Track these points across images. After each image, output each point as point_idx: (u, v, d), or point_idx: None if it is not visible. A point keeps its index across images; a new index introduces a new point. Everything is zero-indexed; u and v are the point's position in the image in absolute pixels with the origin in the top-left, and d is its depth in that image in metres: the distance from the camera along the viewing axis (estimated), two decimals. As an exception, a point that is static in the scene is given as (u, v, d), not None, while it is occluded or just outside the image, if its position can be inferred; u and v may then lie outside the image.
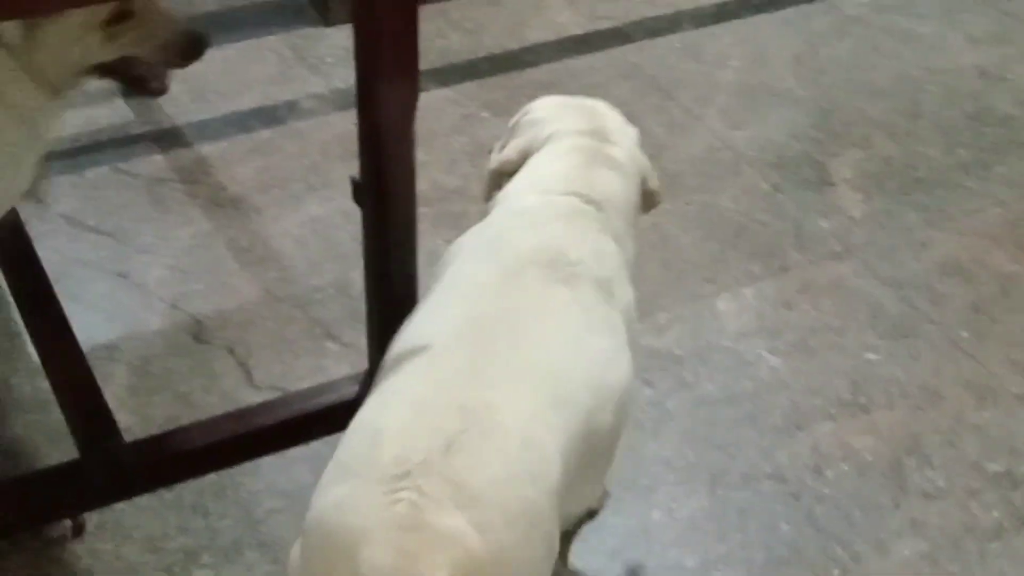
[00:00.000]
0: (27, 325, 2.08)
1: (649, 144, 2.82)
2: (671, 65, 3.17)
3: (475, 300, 1.52)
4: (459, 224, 2.56)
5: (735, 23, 3.37)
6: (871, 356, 2.35)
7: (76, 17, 1.67)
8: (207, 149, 2.78)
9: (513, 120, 1.88)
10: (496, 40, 3.22)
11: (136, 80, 1.81)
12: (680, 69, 3.16)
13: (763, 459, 2.13)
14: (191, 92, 2.93)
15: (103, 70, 1.76)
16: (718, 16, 3.40)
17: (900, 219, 2.69)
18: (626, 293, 1.64)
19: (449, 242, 2.43)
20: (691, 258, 2.56)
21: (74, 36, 1.68)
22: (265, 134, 2.83)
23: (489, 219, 1.69)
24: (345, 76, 2.99)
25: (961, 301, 2.48)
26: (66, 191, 2.63)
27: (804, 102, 3.06)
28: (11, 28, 1.64)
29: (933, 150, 2.91)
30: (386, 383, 1.42)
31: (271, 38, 3.15)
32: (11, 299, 2.25)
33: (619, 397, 1.52)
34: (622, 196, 1.72)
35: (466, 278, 1.57)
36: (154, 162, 2.73)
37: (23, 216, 2.22)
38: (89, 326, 2.26)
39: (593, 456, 1.48)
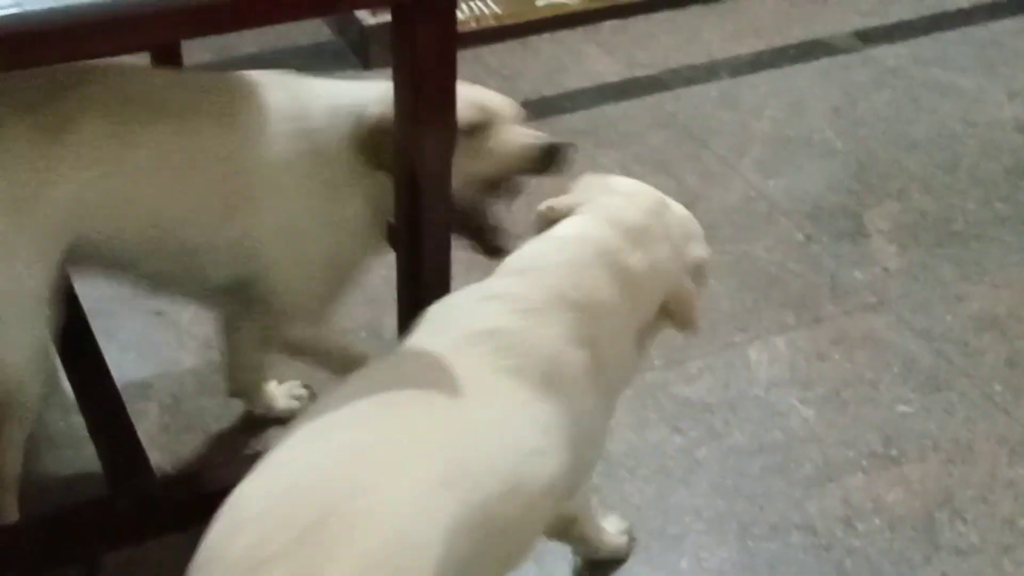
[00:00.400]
0: (63, 361, 2.10)
1: (683, 193, 2.84)
2: (707, 114, 3.18)
3: (410, 368, 1.47)
4: (492, 268, 2.57)
5: (772, 73, 3.38)
6: (904, 409, 2.33)
7: None
8: (245, 190, 2.81)
9: (587, 181, 1.77)
10: (533, 86, 3.25)
11: (476, 232, 1.88)
12: (716, 118, 3.17)
13: (793, 510, 2.11)
14: (231, 133, 2.96)
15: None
16: (755, 66, 3.41)
17: (935, 272, 2.68)
18: (582, 403, 1.54)
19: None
20: (724, 307, 2.55)
21: None
22: (302, 176, 2.85)
23: (468, 292, 1.63)
24: (383, 120, 3.02)
25: (995, 355, 2.46)
26: (105, 229, 2.66)
27: (841, 153, 3.06)
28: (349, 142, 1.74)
29: (970, 203, 2.90)
30: (272, 455, 1.34)
31: (311, 81, 3.18)
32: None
33: (533, 494, 1.44)
34: (613, 306, 1.59)
35: (416, 345, 1.52)
36: (192, 202, 2.76)
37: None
38: (124, 363, 2.28)
39: (493, 543, 1.40)
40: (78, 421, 2.15)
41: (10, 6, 1.25)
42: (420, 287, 1.75)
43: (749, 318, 2.53)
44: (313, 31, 3.37)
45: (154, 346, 2.40)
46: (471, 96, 1.81)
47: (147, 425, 2.19)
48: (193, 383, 2.31)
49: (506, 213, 1.93)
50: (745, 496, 2.13)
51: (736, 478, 2.17)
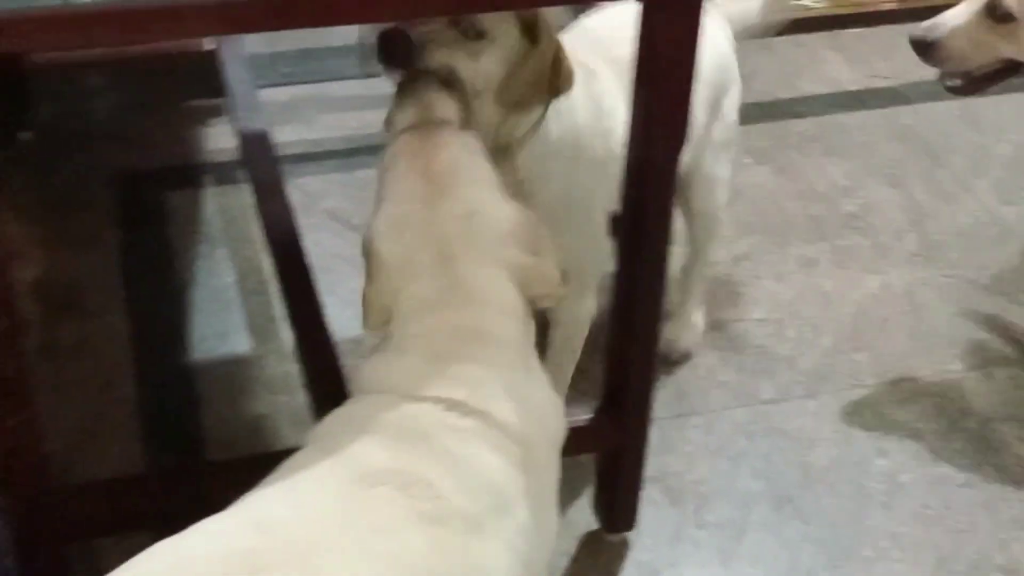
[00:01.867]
0: (287, 310, 2.17)
1: (913, 210, 2.76)
2: (946, 131, 3.07)
3: (290, 511, 1.23)
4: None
5: (1019, 96, 3.24)
6: None
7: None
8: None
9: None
10: (766, 87, 3.20)
11: None
12: (955, 136, 3.05)
13: (997, 550, 2.03)
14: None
15: None
16: (1002, 86, 3.26)
17: None
18: (513, 519, 1.32)
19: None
20: (943, 332, 2.46)
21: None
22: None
23: (345, 414, 1.41)
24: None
25: None
26: (335, 189, 2.76)
27: (1085, 185, 2.91)
28: None
29: None
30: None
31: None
32: (273, 283, 2.39)
33: None
34: (506, 376, 1.39)
35: (303, 478, 1.28)
36: (420, 170, 2.82)
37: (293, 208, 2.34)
38: (340, 319, 2.35)
39: None
40: (293, 369, 2.24)
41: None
42: (636, 277, 1.75)
43: (969, 346, 2.43)
44: (558, 14, 3.38)
45: (370, 306, 2.46)
46: None
47: (356, 382, 2.25)
48: (403, 346, 2.36)
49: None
50: (947, 528, 2.06)
51: (940, 508, 2.09)
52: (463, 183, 1.48)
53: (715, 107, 2.10)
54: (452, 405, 1.34)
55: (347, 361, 2.21)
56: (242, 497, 1.27)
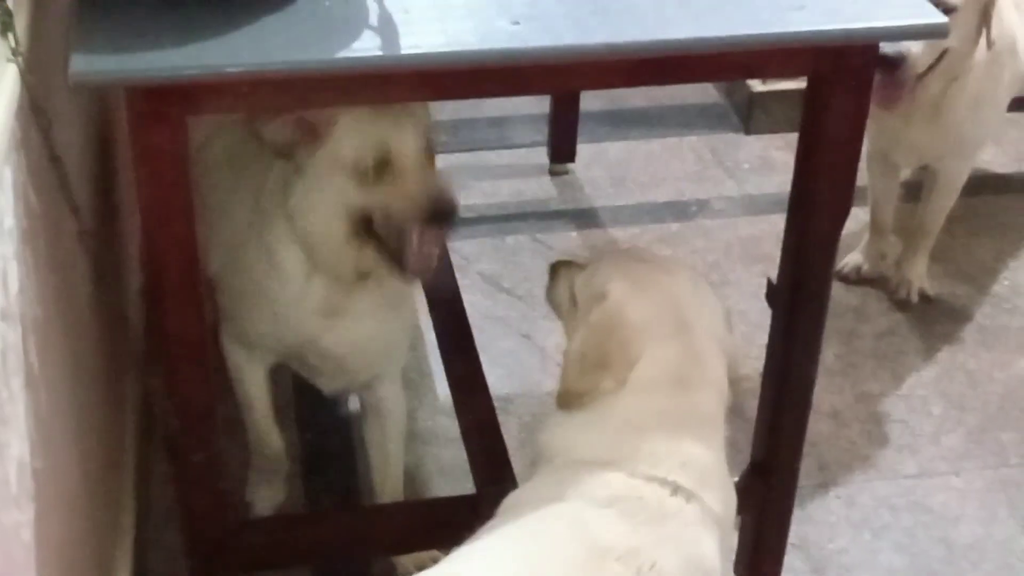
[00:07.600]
0: (445, 365, 2.26)
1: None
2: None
3: (529, 571, 1.36)
4: (849, 341, 2.59)
5: None
6: None
7: (335, 157, 1.72)
8: (619, 233, 2.94)
9: (578, 284, 1.59)
10: (913, 168, 3.22)
11: (396, 255, 1.76)
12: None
13: None
14: (612, 179, 3.11)
15: (364, 234, 1.77)
16: None
17: None
18: None
19: (839, 357, 2.46)
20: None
21: (330, 175, 1.73)
22: (674, 227, 2.96)
23: (559, 480, 1.46)
24: (758, 183, 3.09)
25: None
26: (488, 253, 2.86)
27: None
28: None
29: None
30: None
31: (692, 138, 3.29)
32: (426, 339, 2.49)
33: None
34: (715, 459, 1.47)
35: (540, 545, 1.39)
36: (569, 238, 2.92)
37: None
38: (490, 378, 2.43)
39: None
40: (444, 423, 2.33)
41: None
42: (792, 345, 1.80)
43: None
44: (701, 92, 3.46)
45: (520, 366, 2.55)
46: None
47: (506, 439, 2.32)
48: (551, 405, 2.43)
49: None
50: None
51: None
52: (684, 267, 1.61)
53: None
54: (678, 489, 1.41)
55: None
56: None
